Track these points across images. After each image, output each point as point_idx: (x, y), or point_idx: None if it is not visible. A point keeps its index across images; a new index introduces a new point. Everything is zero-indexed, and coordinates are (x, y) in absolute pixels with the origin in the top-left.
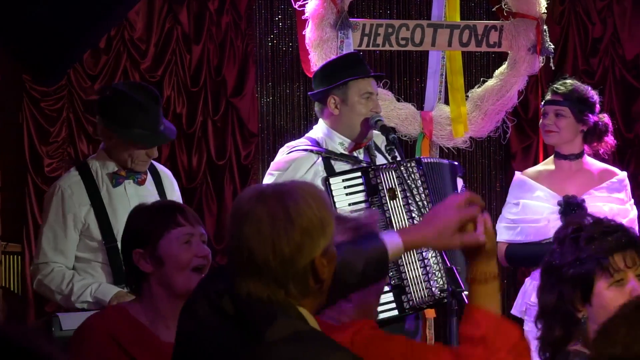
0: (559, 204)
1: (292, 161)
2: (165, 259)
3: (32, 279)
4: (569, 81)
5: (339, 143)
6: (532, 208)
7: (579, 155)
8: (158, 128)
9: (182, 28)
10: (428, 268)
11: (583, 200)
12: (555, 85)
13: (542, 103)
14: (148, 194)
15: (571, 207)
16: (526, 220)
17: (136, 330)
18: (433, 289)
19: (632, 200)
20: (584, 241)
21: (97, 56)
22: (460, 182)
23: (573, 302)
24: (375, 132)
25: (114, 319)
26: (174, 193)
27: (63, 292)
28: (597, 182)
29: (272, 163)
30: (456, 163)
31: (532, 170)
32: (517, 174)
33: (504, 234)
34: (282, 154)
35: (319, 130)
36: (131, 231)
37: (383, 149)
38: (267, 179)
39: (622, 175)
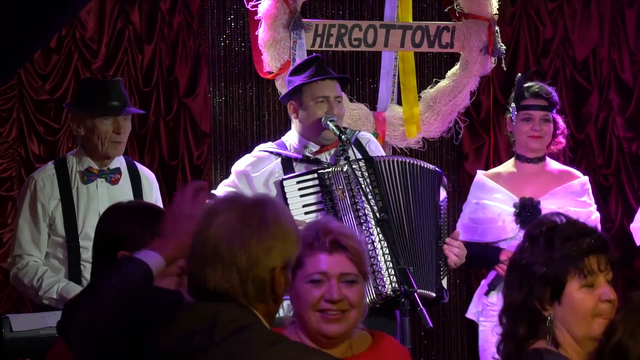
0: (514, 205)
1: (252, 158)
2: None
3: (9, 272)
4: (541, 85)
5: (304, 146)
6: (489, 208)
7: (543, 158)
8: (113, 101)
9: (133, 28)
10: (374, 267)
11: (538, 203)
12: (535, 89)
13: (518, 106)
14: (121, 194)
15: (526, 209)
16: (483, 221)
17: None
18: (380, 287)
19: (595, 206)
20: (559, 241)
21: (47, 56)
22: (443, 193)
23: (541, 301)
24: (361, 134)
25: None
26: (152, 195)
27: (33, 287)
28: (556, 184)
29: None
30: (443, 176)
31: (492, 171)
32: (479, 173)
33: (463, 233)
34: (252, 153)
35: (290, 133)
36: (119, 230)
37: (367, 149)
38: (232, 171)
39: (584, 179)
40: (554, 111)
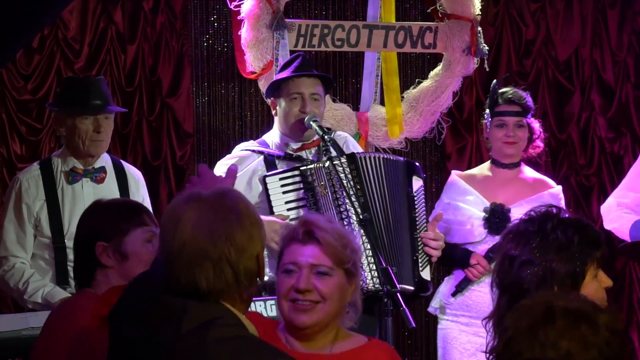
0: (484, 210)
1: (234, 158)
2: (129, 255)
3: None
4: (514, 90)
5: (284, 143)
6: (460, 210)
7: (518, 164)
8: (93, 100)
9: (116, 28)
10: None
11: (509, 210)
12: (508, 95)
13: (492, 112)
14: (107, 193)
15: (496, 215)
16: (453, 222)
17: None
18: (361, 282)
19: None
20: (576, 235)
21: (30, 55)
22: (418, 183)
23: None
24: (337, 134)
25: None
26: (139, 194)
27: (19, 290)
28: (530, 192)
29: (219, 160)
30: (417, 164)
31: (467, 172)
32: (453, 174)
33: None
34: (232, 152)
35: (272, 131)
36: (95, 224)
37: (345, 149)
38: (214, 171)
39: (557, 189)
40: (529, 116)
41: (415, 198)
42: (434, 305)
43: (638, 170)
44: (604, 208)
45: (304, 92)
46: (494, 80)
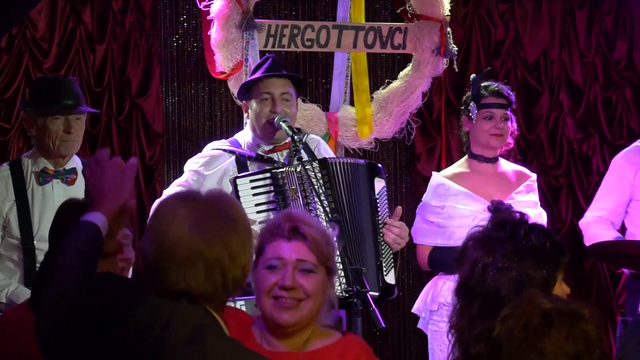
0: (489, 209)
1: (204, 157)
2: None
3: None
4: (498, 84)
5: (256, 145)
6: (459, 211)
7: (497, 158)
8: (64, 100)
9: (85, 27)
10: None
11: (510, 206)
12: (495, 88)
13: (479, 104)
14: (78, 195)
15: (501, 212)
16: (452, 224)
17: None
18: None
19: (539, 202)
20: (547, 241)
21: None
22: (380, 184)
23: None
24: (310, 137)
25: None
26: None
27: None
28: (515, 185)
29: (190, 158)
30: (378, 165)
31: (449, 171)
32: (436, 175)
33: (429, 237)
34: (202, 151)
35: (244, 132)
36: (68, 223)
37: (317, 152)
38: (185, 170)
39: (534, 177)
40: (510, 110)
41: (378, 200)
42: (423, 307)
43: (611, 180)
44: (583, 224)
45: (274, 93)
46: (474, 74)
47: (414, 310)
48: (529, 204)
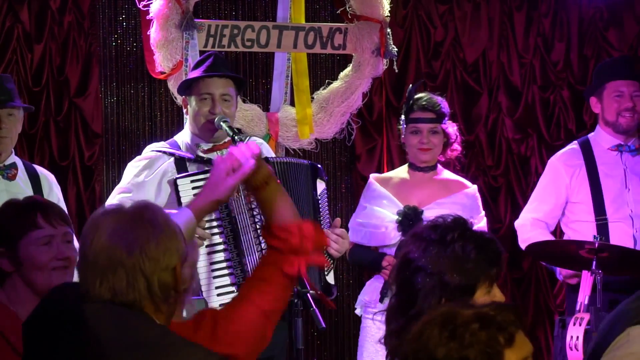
0: (398, 213)
1: (143, 161)
2: (23, 260)
3: None
4: (429, 96)
5: (195, 144)
6: (375, 214)
7: (434, 167)
8: None
9: (22, 27)
10: None
11: (422, 212)
12: (422, 102)
13: (407, 119)
14: (20, 190)
15: (408, 218)
16: (369, 225)
17: (15, 320)
18: None
19: (483, 214)
20: (473, 250)
21: None
22: (321, 186)
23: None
24: (254, 138)
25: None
26: (53, 194)
27: None
28: (444, 193)
29: (129, 162)
30: (320, 167)
31: (384, 175)
32: (371, 178)
33: (353, 235)
34: (142, 154)
35: (183, 131)
36: (10, 225)
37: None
38: (124, 174)
39: (473, 189)
40: (444, 122)
41: (320, 201)
42: (360, 306)
43: (547, 182)
44: (518, 225)
45: (214, 93)
46: (410, 86)
47: (356, 312)
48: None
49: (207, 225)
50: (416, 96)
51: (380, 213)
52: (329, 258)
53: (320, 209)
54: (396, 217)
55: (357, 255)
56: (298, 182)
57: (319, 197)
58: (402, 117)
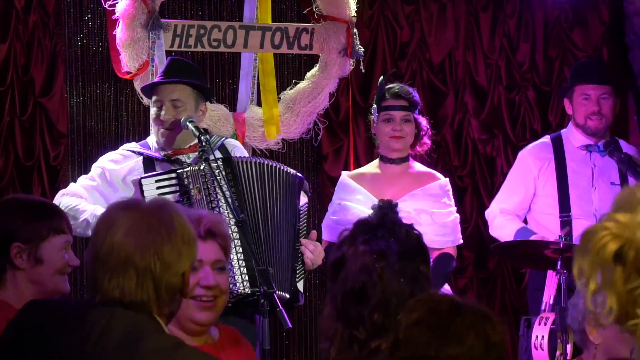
0: (372, 207)
1: (116, 155)
2: (45, 261)
3: None
4: (401, 85)
5: (161, 147)
6: (351, 210)
7: (406, 159)
8: None
9: None
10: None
11: (396, 205)
12: (395, 90)
13: (380, 107)
14: None
15: (383, 211)
16: (345, 222)
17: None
18: (231, 285)
19: (455, 208)
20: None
21: None
22: (304, 199)
23: None
24: (228, 140)
25: None
26: None
27: None
28: (416, 185)
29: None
30: (305, 182)
31: (356, 171)
32: (343, 174)
33: (328, 233)
34: (117, 151)
35: (152, 134)
36: (12, 223)
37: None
38: (95, 164)
39: (444, 180)
40: (416, 112)
41: (300, 212)
42: None
43: (517, 173)
44: (488, 215)
45: (163, 99)
46: (381, 77)
47: None
48: (428, 205)
49: None
50: (388, 85)
51: (355, 209)
52: (303, 267)
53: (301, 219)
54: (371, 211)
55: (329, 252)
56: (281, 187)
57: (301, 208)
58: (374, 106)
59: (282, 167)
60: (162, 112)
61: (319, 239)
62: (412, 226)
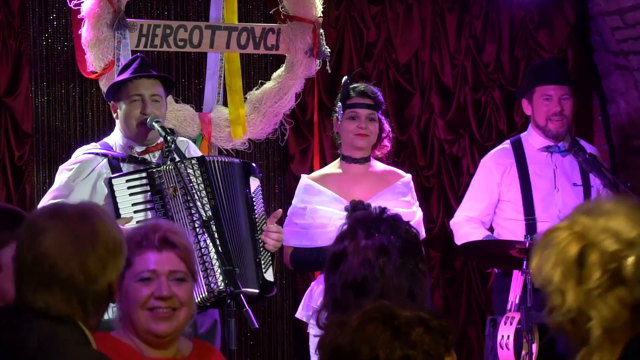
0: (346, 209)
1: (76, 164)
2: (3, 268)
3: None
4: (366, 84)
5: (128, 147)
6: (319, 212)
7: (368, 159)
8: None
9: None
10: (207, 264)
11: (369, 205)
12: (361, 88)
13: (345, 105)
14: None
15: (358, 209)
16: (314, 226)
17: None
18: (212, 284)
19: (417, 202)
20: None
21: None
22: (255, 183)
23: None
24: (180, 138)
25: None
26: None
27: None
28: (383, 185)
29: (61, 165)
30: (253, 164)
31: (318, 173)
32: (303, 177)
33: (293, 238)
34: (72, 157)
35: (114, 134)
36: None
37: (187, 154)
38: (56, 179)
39: (407, 177)
40: (380, 112)
41: (254, 199)
42: (303, 312)
43: (480, 181)
44: (453, 224)
45: (144, 94)
46: (345, 77)
47: (297, 315)
48: (396, 204)
49: (140, 217)
50: (353, 84)
51: (325, 212)
52: (267, 253)
53: (255, 207)
54: (344, 213)
55: (302, 256)
56: (231, 181)
57: (253, 195)
58: (339, 104)
59: (232, 161)
60: (147, 108)
61: (283, 217)
62: (409, 223)
